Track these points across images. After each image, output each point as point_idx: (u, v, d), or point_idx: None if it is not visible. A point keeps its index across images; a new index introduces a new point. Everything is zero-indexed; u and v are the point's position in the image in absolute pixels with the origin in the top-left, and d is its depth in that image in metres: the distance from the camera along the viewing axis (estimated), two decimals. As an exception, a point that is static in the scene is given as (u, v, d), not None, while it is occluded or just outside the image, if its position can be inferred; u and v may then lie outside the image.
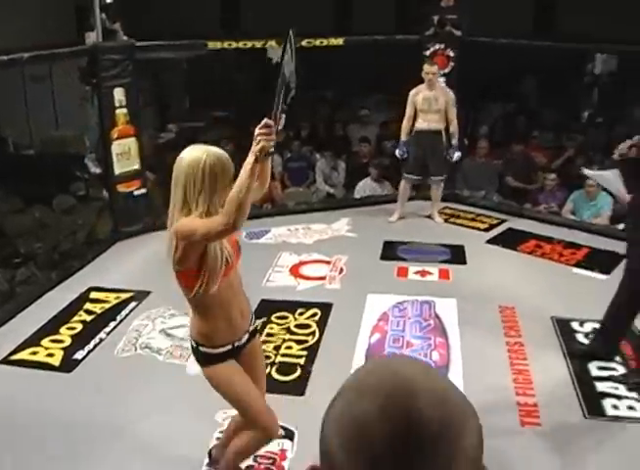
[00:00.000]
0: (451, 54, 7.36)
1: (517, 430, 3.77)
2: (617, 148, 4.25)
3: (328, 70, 11.87)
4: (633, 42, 6.68)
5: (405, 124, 6.81)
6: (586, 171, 4.31)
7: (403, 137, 6.84)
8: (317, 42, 7.02)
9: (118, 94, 6.42)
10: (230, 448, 3.12)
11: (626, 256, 4.25)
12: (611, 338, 4.41)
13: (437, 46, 7.34)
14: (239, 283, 2.92)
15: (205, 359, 2.91)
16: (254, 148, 2.51)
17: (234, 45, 6.88)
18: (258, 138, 2.50)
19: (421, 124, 6.75)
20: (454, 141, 6.88)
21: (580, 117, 12.38)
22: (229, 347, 2.88)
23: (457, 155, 6.92)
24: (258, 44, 6.98)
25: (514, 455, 3.55)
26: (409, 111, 6.76)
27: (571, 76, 13.51)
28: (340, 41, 7.14)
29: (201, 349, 2.88)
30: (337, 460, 0.84)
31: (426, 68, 6.66)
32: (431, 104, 6.68)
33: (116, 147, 6.52)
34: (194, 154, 2.65)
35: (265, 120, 2.51)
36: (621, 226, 6.86)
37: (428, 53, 7.30)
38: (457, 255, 6.16)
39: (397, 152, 6.90)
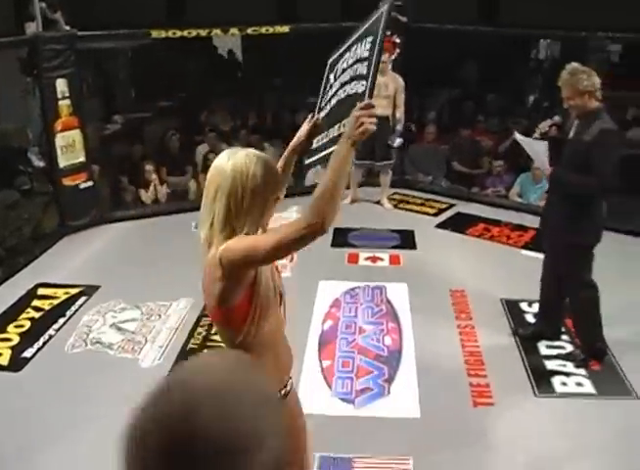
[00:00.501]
0: (397, 40, 7.37)
1: (470, 410, 3.84)
2: (537, 127, 4.39)
3: (275, 57, 11.85)
4: (574, 28, 6.78)
5: None
6: (517, 136, 4.40)
7: None
8: (263, 30, 6.96)
9: (61, 85, 6.29)
10: None
11: (543, 230, 4.38)
12: (552, 317, 4.50)
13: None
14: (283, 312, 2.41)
15: None
16: (353, 132, 2.00)
17: (178, 34, 6.79)
18: (361, 120, 2.01)
19: None
20: (398, 127, 6.92)
21: (525, 102, 12.57)
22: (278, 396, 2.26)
23: (398, 141, 6.98)
24: (204, 33, 6.92)
25: (468, 435, 3.61)
26: None
27: (516, 62, 13.71)
28: (285, 29, 7.10)
29: None
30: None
31: None
32: (380, 90, 6.69)
33: (60, 139, 6.39)
34: (238, 159, 2.11)
35: (367, 101, 2.08)
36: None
37: (373, 39, 7.30)
38: (407, 240, 6.22)
39: None
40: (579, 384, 4.11)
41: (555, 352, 4.43)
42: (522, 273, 5.57)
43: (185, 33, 6.81)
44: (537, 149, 4.15)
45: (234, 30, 7.11)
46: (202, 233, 2.14)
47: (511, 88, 12.25)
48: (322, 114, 2.65)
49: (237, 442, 0.82)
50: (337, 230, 6.33)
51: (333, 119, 2.44)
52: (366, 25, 2.57)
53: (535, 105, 12.25)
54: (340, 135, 2.13)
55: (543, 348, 4.47)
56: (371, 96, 2.11)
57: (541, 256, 5.88)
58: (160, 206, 7.40)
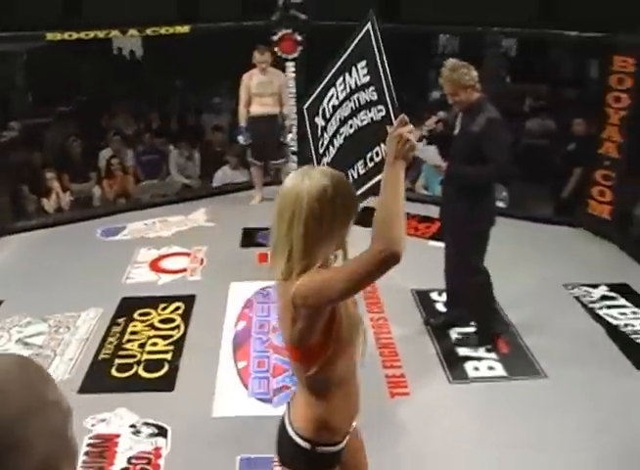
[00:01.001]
0: (299, 38, 7.39)
1: (387, 402, 3.90)
2: (424, 124, 4.51)
3: (176, 57, 11.68)
4: (472, 23, 6.97)
5: (242, 110, 6.78)
6: None
7: (242, 123, 6.81)
8: (162, 30, 6.84)
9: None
10: None
11: (442, 222, 4.52)
12: (460, 304, 4.63)
13: (285, 31, 7.34)
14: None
15: (322, 464, 2.15)
16: (400, 151, 1.84)
17: (75, 36, 6.59)
18: (405, 137, 1.84)
19: (256, 109, 6.74)
20: (286, 122, 6.94)
21: (428, 97, 12.83)
22: (345, 440, 2.17)
23: (289, 136, 7.02)
24: (101, 34, 6.74)
25: (386, 426, 3.66)
26: (244, 96, 6.72)
27: (418, 58, 13.99)
28: (185, 29, 7.00)
29: (318, 449, 2.08)
30: None
31: (257, 56, 6.61)
32: (265, 88, 6.68)
33: (-47, 149, 6.14)
34: (314, 181, 1.91)
35: (402, 117, 1.92)
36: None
37: (276, 38, 7.29)
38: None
39: (240, 138, 6.88)
40: (491, 368, 4.24)
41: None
42: (430, 264, 5.64)
43: (82, 35, 6.61)
44: (429, 153, 4.25)
45: (133, 31, 6.96)
46: (277, 267, 1.93)
47: (414, 84, 12.50)
48: (326, 159, 2.50)
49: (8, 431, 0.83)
50: (245, 230, 6.31)
51: (352, 155, 2.32)
52: (345, 55, 2.44)
53: (439, 100, 12.54)
54: (380, 162, 2.05)
55: (454, 335, 4.58)
56: (396, 117, 1.99)
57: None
58: (64, 214, 7.21)
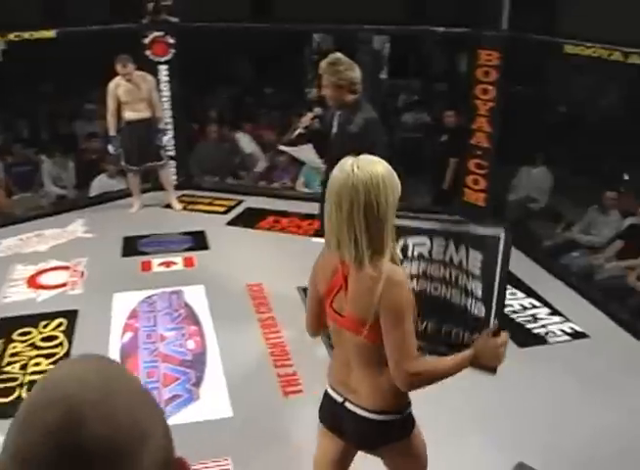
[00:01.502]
0: (171, 41, 7.28)
1: (281, 401, 3.90)
2: (300, 121, 4.49)
3: (44, 62, 11.22)
4: (345, 21, 7.05)
5: (110, 119, 6.62)
6: (282, 148, 4.49)
7: (112, 132, 6.66)
8: (26, 35, 6.56)
9: None
10: None
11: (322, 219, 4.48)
12: None
13: (156, 33, 7.21)
14: None
15: (409, 427, 2.30)
16: (488, 360, 2.29)
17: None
18: (500, 353, 2.30)
19: (130, 115, 6.61)
20: (161, 125, 6.85)
21: (305, 95, 12.92)
22: None
23: (164, 139, 6.93)
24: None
25: (282, 425, 3.67)
26: (112, 104, 6.57)
27: (294, 57, 14.07)
28: (51, 33, 6.74)
29: (406, 412, 2.26)
30: None
31: (119, 69, 6.45)
32: (134, 94, 6.56)
33: None
34: (367, 170, 2.01)
35: (505, 334, 2.31)
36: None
37: (147, 41, 7.14)
38: (199, 241, 6.17)
39: (110, 148, 6.73)
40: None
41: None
42: (314, 260, 5.71)
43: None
44: (305, 153, 4.22)
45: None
46: (346, 252, 2.06)
47: (289, 82, 12.56)
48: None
49: (123, 447, 0.83)
50: (126, 239, 6.15)
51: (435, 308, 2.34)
52: (457, 226, 2.40)
53: (316, 97, 12.64)
54: (457, 345, 2.24)
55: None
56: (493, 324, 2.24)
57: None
58: None
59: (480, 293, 2.30)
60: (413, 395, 2.22)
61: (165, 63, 7.28)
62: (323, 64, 4.01)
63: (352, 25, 6.86)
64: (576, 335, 4.66)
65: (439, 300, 2.34)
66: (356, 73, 4.00)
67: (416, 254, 2.35)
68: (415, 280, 2.35)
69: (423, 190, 7.66)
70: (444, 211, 6.70)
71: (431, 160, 7.86)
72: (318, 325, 2.38)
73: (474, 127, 6.48)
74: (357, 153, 3.91)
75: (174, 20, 7.27)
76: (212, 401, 3.88)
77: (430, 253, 2.33)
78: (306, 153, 4.20)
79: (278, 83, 12.12)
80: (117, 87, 6.53)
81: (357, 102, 4.05)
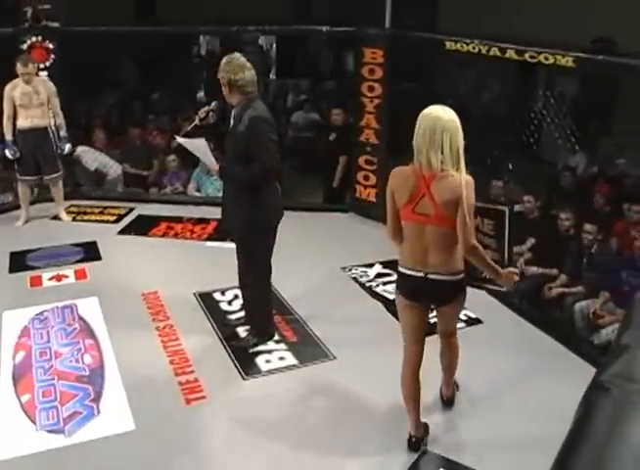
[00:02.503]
0: (51, 46, 7.03)
1: (184, 409, 3.84)
2: (197, 114, 4.48)
3: None
4: (228, 22, 7.01)
5: (6, 123, 6.39)
6: (178, 139, 4.45)
7: (8, 137, 6.42)
8: None
9: None
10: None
11: (224, 224, 4.45)
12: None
13: (35, 39, 6.95)
14: None
15: (465, 284, 3.39)
16: (502, 279, 3.40)
17: None
18: (514, 279, 3.44)
19: (23, 123, 6.39)
20: (62, 133, 6.64)
21: (193, 97, 12.79)
22: None
23: (68, 147, 6.73)
24: None
25: (186, 434, 3.62)
26: (7, 108, 6.35)
27: (180, 59, 13.90)
28: None
29: (463, 276, 3.35)
30: None
31: (20, 68, 6.25)
32: (31, 98, 6.34)
33: None
34: (450, 112, 3.16)
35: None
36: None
37: (25, 46, 6.88)
38: (91, 251, 5.99)
39: (8, 153, 6.47)
40: (282, 358, 4.33)
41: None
42: (210, 264, 5.70)
43: None
44: (199, 146, 4.19)
45: None
46: (437, 166, 3.11)
47: (177, 85, 12.40)
48: None
49: None
50: (13, 254, 5.90)
51: None
52: None
53: (204, 99, 12.54)
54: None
55: (242, 332, 4.61)
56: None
57: (225, 245, 6.11)
58: None
59: (494, 246, 3.60)
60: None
61: (45, 68, 7.02)
62: (221, 64, 4.06)
63: (237, 26, 6.82)
64: (472, 321, 4.80)
65: None
66: (246, 75, 4.03)
67: None
68: None
69: (314, 188, 7.71)
70: (335, 209, 6.80)
71: (321, 158, 7.91)
72: (400, 230, 3.30)
73: (362, 124, 6.58)
74: (244, 151, 3.90)
75: (55, 24, 7.03)
76: (113, 416, 3.78)
77: None
78: (200, 146, 4.15)
79: (165, 87, 11.95)
80: (14, 89, 6.29)
81: (248, 101, 4.06)
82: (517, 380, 4.14)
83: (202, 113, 4.44)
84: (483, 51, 5.36)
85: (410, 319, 3.41)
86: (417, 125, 3.17)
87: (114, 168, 8.00)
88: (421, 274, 3.25)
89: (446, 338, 3.63)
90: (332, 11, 12.14)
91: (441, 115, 3.09)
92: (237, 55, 4.14)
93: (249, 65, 4.10)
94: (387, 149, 6.55)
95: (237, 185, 4.13)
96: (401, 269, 3.34)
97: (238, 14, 8.51)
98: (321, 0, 13.57)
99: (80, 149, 7.73)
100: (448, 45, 5.66)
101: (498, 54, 5.28)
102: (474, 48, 5.42)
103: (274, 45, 14.37)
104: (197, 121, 4.34)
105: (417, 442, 3.47)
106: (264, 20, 6.91)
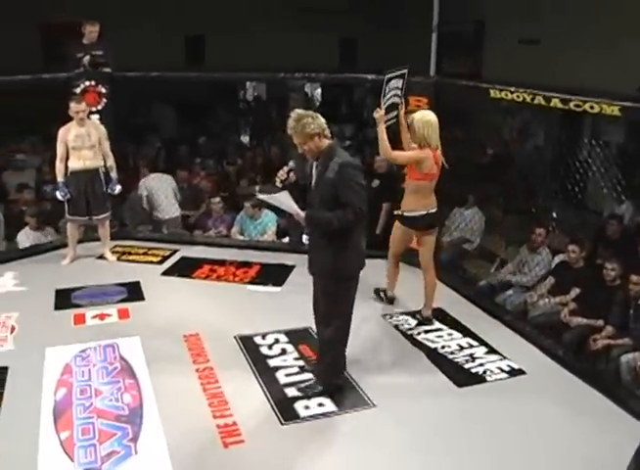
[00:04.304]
0: (102, 90, 7.23)
1: (221, 452, 3.81)
2: (277, 175, 4.57)
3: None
4: (275, 70, 7.12)
5: (59, 165, 6.54)
6: (259, 196, 4.50)
7: (60, 178, 6.57)
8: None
9: None
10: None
11: (311, 272, 4.43)
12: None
13: (88, 83, 7.16)
14: None
15: None
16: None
17: None
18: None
19: (75, 164, 6.53)
20: (113, 174, 6.77)
21: (239, 142, 13.00)
22: None
23: (118, 188, 6.83)
24: None
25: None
26: (61, 150, 6.50)
27: (227, 104, 14.19)
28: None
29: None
30: None
31: (73, 106, 6.45)
32: (84, 140, 6.50)
33: None
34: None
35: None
36: (286, 240, 7.32)
37: (78, 90, 7.08)
38: (134, 292, 6.05)
39: (59, 194, 6.61)
40: (321, 404, 4.28)
41: (294, 379, 4.58)
42: (251, 308, 5.71)
43: None
44: (281, 199, 4.23)
45: None
46: (437, 142, 5.29)
47: (223, 130, 12.64)
48: None
49: None
50: (59, 292, 5.99)
51: None
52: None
53: (249, 144, 12.77)
54: None
55: (282, 377, 4.59)
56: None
57: (267, 288, 6.14)
58: None
59: None
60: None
61: (97, 112, 7.21)
62: (290, 122, 4.10)
63: (283, 73, 6.93)
64: (514, 372, 4.72)
65: None
66: (322, 120, 4.12)
67: None
68: None
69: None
70: (378, 256, 6.78)
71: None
72: None
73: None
74: (333, 197, 3.92)
75: (107, 70, 7.24)
76: (151, 457, 3.77)
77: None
78: (281, 199, 4.20)
79: (212, 131, 12.19)
80: (68, 132, 6.46)
81: (330, 148, 4.12)
82: (558, 433, 4.04)
83: (282, 174, 4.52)
84: (528, 99, 5.36)
85: (404, 237, 5.60)
86: (426, 124, 5.25)
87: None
88: (425, 212, 5.33)
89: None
90: (376, 59, 12.32)
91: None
92: (299, 109, 4.22)
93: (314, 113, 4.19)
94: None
95: (324, 232, 4.14)
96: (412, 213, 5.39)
97: (286, 61, 8.69)
98: (367, 49, 13.81)
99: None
100: (493, 93, 5.67)
101: (543, 102, 5.27)
102: (518, 96, 5.42)
103: (319, 91, 14.60)
104: (278, 183, 4.42)
105: None
106: (311, 67, 7.02)
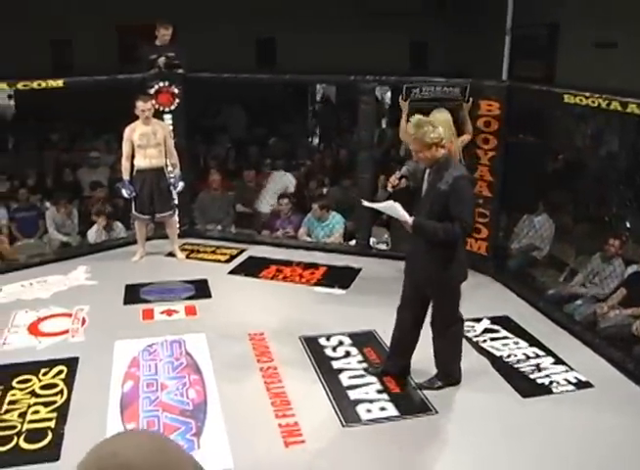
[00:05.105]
0: (175, 91, 7.37)
1: (282, 451, 3.84)
2: (389, 181, 4.60)
3: (51, 112, 11.45)
4: (345, 72, 7.14)
5: (125, 163, 6.69)
6: (365, 204, 4.53)
7: (125, 177, 6.72)
8: (34, 85, 6.62)
9: None
10: None
11: (409, 273, 4.46)
12: (404, 355, 4.61)
13: (161, 83, 7.30)
14: None
15: None
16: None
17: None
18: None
19: (141, 162, 6.66)
20: (177, 171, 6.89)
21: (308, 144, 13.06)
22: None
23: (181, 185, 6.94)
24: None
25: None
26: (126, 149, 6.64)
27: (297, 106, 14.28)
28: (59, 83, 6.80)
29: None
30: None
31: (140, 105, 6.57)
32: (149, 139, 6.61)
33: None
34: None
35: None
36: (353, 242, 7.32)
37: (152, 91, 7.23)
38: (201, 289, 6.15)
39: (125, 192, 6.76)
40: (383, 408, 4.27)
41: (356, 381, 4.57)
42: (316, 310, 5.73)
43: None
44: (388, 207, 4.24)
45: (2, 85, 6.69)
46: None
47: (293, 131, 12.72)
48: None
49: None
50: (128, 287, 6.14)
51: None
52: None
53: (318, 146, 12.83)
54: None
55: (345, 379, 4.59)
56: None
57: (333, 290, 6.14)
58: None
59: None
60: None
61: (170, 112, 7.35)
62: (410, 126, 4.14)
63: (354, 75, 6.94)
64: (581, 384, 4.61)
65: None
66: (441, 129, 4.12)
67: None
68: None
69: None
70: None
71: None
72: None
73: (476, 176, 6.51)
74: (443, 208, 3.91)
75: (180, 71, 7.37)
76: (213, 452, 3.83)
77: None
78: (389, 207, 4.23)
79: (281, 132, 12.29)
80: (134, 131, 6.60)
81: (446, 159, 4.14)
82: (626, 449, 3.93)
83: (393, 180, 4.56)
84: (603, 105, 5.22)
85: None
86: (444, 125, 4.83)
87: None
88: None
89: None
90: (448, 63, 12.21)
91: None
92: (420, 115, 4.23)
93: (437, 123, 4.19)
94: (500, 202, 6.46)
95: (430, 241, 4.16)
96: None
97: (357, 63, 8.69)
98: (438, 52, 13.70)
99: None
100: (567, 98, 5.55)
101: (619, 108, 5.13)
102: (593, 102, 5.29)
103: (388, 94, 14.55)
104: (389, 188, 4.45)
105: None
106: (382, 70, 7.00)
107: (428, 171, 4.22)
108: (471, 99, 6.15)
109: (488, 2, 10.06)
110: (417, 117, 4.21)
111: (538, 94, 6.36)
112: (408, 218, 4.14)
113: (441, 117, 5.64)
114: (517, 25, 6.68)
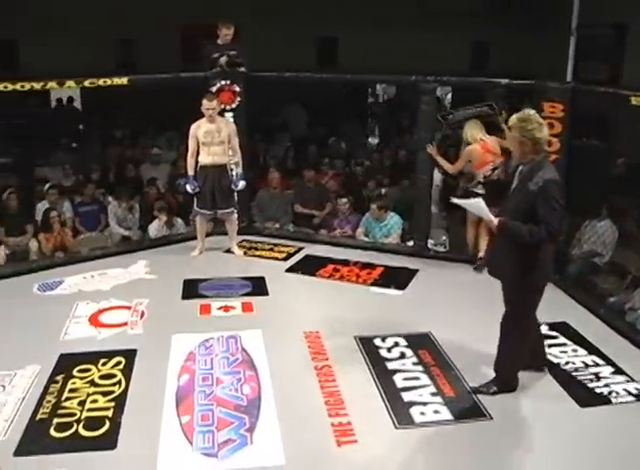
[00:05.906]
0: (237, 89, 7.44)
1: (334, 450, 3.84)
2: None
3: (116, 109, 11.70)
4: (406, 73, 7.10)
5: (190, 160, 6.81)
6: (454, 200, 4.52)
7: (190, 172, 6.82)
8: (100, 82, 6.77)
9: None
10: None
11: (493, 273, 4.41)
12: (537, 350, 4.60)
13: (223, 82, 7.38)
14: None
15: None
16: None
17: (10, 87, 6.39)
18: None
19: (205, 159, 6.76)
20: (239, 170, 6.95)
21: (366, 144, 13.03)
22: None
23: (242, 183, 7.00)
24: (38, 86, 6.58)
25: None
26: (192, 145, 6.75)
27: (357, 106, 14.26)
28: (124, 81, 6.93)
29: None
30: None
31: (205, 103, 6.66)
32: (213, 136, 6.70)
33: None
34: None
35: None
36: (411, 243, 7.28)
37: (214, 89, 7.31)
38: (258, 286, 6.19)
39: (189, 187, 6.86)
40: (437, 411, 4.22)
41: (410, 383, 4.54)
42: (373, 310, 5.72)
43: (18, 86, 6.42)
44: (475, 205, 4.23)
45: (70, 83, 6.84)
46: None
47: (353, 131, 12.71)
48: None
49: None
50: (187, 282, 6.22)
51: None
52: None
53: (376, 146, 12.80)
54: None
55: (399, 381, 4.57)
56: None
57: (390, 291, 6.12)
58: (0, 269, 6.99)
59: None
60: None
61: (231, 110, 7.42)
62: (513, 118, 4.08)
63: (415, 76, 6.89)
64: (642, 396, 4.50)
65: None
66: (542, 134, 4.03)
67: None
68: None
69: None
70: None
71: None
72: None
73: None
74: (529, 210, 3.83)
75: (242, 69, 7.44)
76: (265, 448, 3.85)
77: None
78: (475, 205, 4.22)
79: (341, 132, 12.29)
80: (199, 128, 6.70)
81: (541, 160, 4.05)
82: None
83: (486, 170, 4.55)
84: (672, 107, 5.09)
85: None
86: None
87: None
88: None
89: None
90: (509, 63, 12.04)
91: None
92: (532, 111, 4.13)
93: (544, 124, 4.11)
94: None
95: (515, 241, 4.10)
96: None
97: (418, 64, 8.63)
98: (500, 52, 13.53)
99: None
100: (634, 101, 5.41)
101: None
102: (660, 105, 5.15)
103: (449, 95, 14.43)
104: (480, 178, 4.46)
105: None
106: (443, 70, 6.95)
107: (520, 169, 4.15)
108: (504, 112, 6.36)
109: (554, 3, 9.91)
110: (525, 110, 4.10)
111: (604, 96, 6.22)
112: (493, 218, 4.09)
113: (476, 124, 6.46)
114: (582, 25, 6.56)
